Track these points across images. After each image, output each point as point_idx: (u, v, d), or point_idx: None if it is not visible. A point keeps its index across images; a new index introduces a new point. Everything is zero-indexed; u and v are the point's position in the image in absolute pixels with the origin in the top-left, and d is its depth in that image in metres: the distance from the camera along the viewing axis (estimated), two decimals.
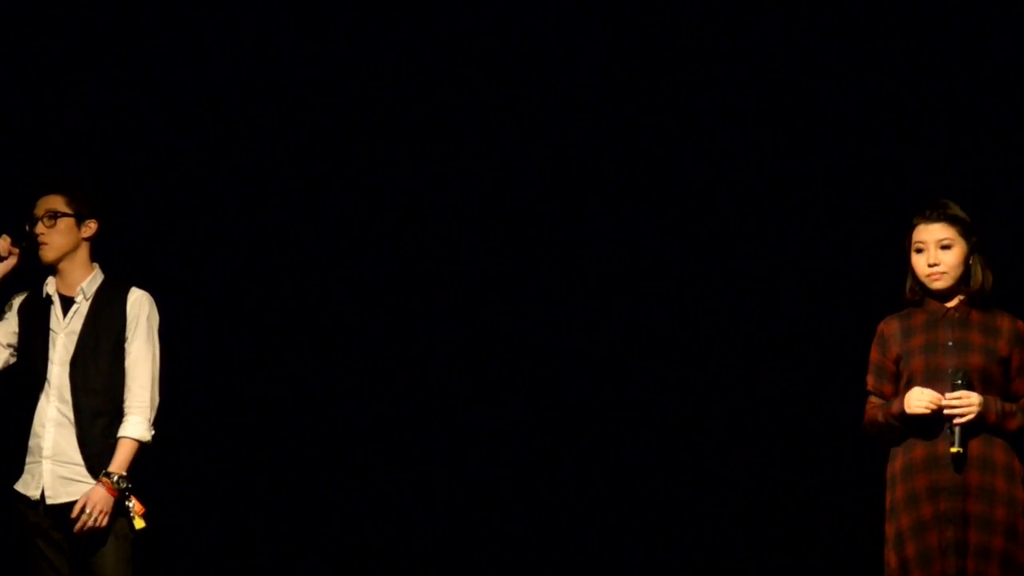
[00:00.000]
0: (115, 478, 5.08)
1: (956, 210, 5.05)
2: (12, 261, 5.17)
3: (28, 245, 5.17)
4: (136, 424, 5.15)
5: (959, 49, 6.29)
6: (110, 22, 6.60)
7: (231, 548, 6.59)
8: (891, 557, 4.97)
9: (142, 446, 5.15)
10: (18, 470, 5.20)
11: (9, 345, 5.23)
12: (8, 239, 5.16)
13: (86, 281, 5.23)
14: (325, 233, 6.71)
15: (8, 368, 5.21)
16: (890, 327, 5.08)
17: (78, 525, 5.04)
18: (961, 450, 4.88)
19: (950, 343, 4.99)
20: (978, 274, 5.02)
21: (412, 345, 6.70)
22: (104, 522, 5.05)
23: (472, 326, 6.70)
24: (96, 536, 5.06)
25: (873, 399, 5.09)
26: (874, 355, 5.11)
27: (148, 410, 5.18)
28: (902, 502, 4.95)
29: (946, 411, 4.91)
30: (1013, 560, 4.85)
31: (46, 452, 5.12)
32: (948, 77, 6.30)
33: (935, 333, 5.02)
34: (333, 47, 6.70)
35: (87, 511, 5.04)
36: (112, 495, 5.07)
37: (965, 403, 4.90)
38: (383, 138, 6.72)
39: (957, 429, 4.89)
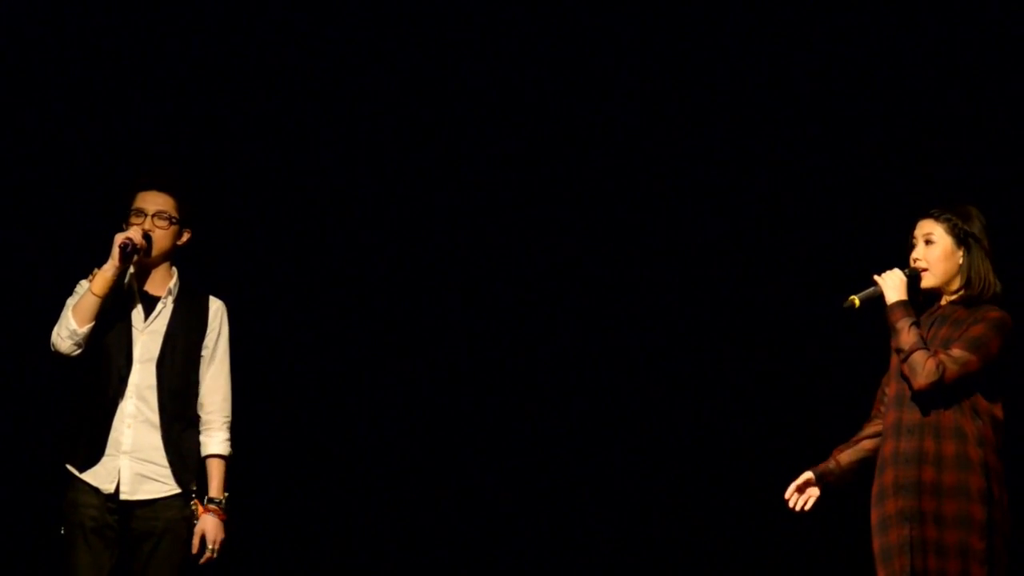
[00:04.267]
0: (222, 503, 5.18)
1: (959, 210, 4.94)
2: (140, 253, 5.14)
3: (146, 241, 5.15)
4: (224, 441, 5.24)
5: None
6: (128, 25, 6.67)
7: (257, 548, 6.63)
8: None
9: (227, 461, 5.25)
10: (83, 460, 5.12)
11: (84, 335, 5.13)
12: (140, 230, 5.13)
13: (172, 283, 5.27)
14: (331, 235, 6.80)
15: (77, 359, 5.14)
16: None
17: (203, 560, 5.13)
18: (856, 302, 4.93)
19: None
20: (973, 278, 4.92)
21: (413, 347, 6.79)
22: (219, 551, 5.16)
23: (472, 328, 6.78)
24: (174, 551, 5.14)
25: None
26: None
27: (231, 425, 5.28)
28: (874, 498, 4.93)
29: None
30: (970, 550, 4.77)
31: (125, 447, 5.13)
32: (969, 72, 6.32)
33: None
34: (329, 45, 6.77)
35: (210, 546, 5.13)
36: (223, 519, 5.17)
37: (888, 272, 4.91)
38: (384, 139, 6.79)
39: (872, 288, 4.93)
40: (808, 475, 5.11)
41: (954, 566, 4.77)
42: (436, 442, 6.79)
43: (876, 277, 4.95)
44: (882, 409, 5.04)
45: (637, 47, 6.70)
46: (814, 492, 5.11)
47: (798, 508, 5.12)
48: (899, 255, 5.01)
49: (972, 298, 4.93)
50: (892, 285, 4.92)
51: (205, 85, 6.71)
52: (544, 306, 6.80)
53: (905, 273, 4.94)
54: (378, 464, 6.77)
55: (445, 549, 6.75)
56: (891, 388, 4.98)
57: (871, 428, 5.08)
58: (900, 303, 4.90)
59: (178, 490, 5.16)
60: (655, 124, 6.70)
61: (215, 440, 5.22)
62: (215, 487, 5.17)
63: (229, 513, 5.17)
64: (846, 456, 5.10)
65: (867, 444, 5.07)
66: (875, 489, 4.93)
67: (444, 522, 6.77)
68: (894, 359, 4.95)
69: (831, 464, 5.09)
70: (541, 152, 6.79)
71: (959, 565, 4.77)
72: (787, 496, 5.12)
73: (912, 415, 4.88)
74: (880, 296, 4.94)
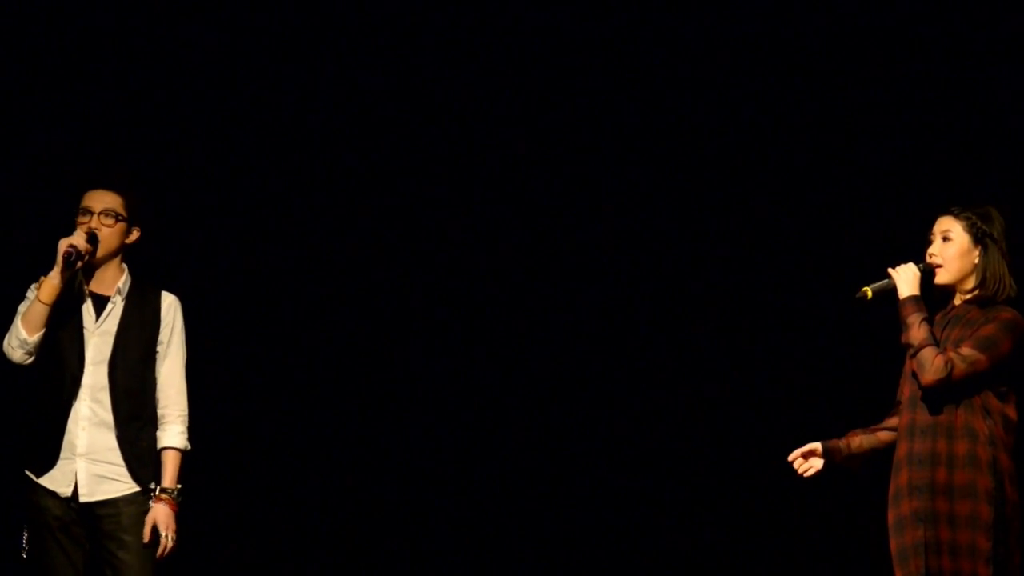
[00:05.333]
0: (174, 493, 5.16)
1: (980, 210, 4.94)
2: (85, 259, 5.12)
3: (91, 244, 5.13)
4: (179, 434, 5.23)
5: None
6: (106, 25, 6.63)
7: (240, 547, 6.67)
8: None
9: (183, 454, 5.23)
10: (39, 465, 5.11)
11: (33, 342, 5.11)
12: (85, 235, 5.11)
13: (121, 281, 5.24)
14: (318, 233, 6.77)
15: (32, 365, 5.13)
16: None
17: (160, 550, 5.11)
18: (868, 293, 4.93)
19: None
20: (988, 279, 4.91)
21: (378, 341, 6.76)
22: (175, 539, 5.13)
23: (467, 327, 6.76)
24: (142, 546, 5.10)
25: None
26: None
27: (186, 418, 5.25)
28: (890, 499, 4.94)
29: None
30: (980, 550, 4.77)
31: (80, 450, 5.11)
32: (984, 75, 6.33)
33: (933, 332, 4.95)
34: (278, 39, 6.75)
35: (163, 533, 5.11)
36: (174, 510, 5.14)
37: (902, 266, 4.91)
38: (378, 138, 6.77)
39: (886, 281, 4.94)
40: (815, 446, 5.11)
41: (967, 566, 4.78)
42: (411, 439, 6.78)
43: (890, 270, 4.96)
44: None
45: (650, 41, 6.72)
46: (817, 464, 5.11)
47: (800, 471, 5.11)
48: (917, 250, 5.00)
49: (986, 299, 4.92)
50: (905, 279, 4.92)
51: (157, 83, 6.67)
52: (526, 300, 6.81)
53: (919, 268, 4.94)
54: (345, 461, 6.76)
55: (419, 548, 6.77)
56: (905, 389, 4.98)
57: (891, 420, 5.07)
58: (912, 298, 4.89)
59: (136, 488, 5.14)
60: (659, 116, 6.72)
61: (169, 433, 5.21)
62: (168, 478, 5.16)
63: (181, 505, 5.16)
64: (859, 441, 5.09)
65: (883, 436, 5.08)
66: (891, 490, 4.93)
67: (425, 520, 6.78)
68: (906, 361, 4.94)
69: (842, 444, 5.09)
70: (533, 149, 6.81)
71: (971, 565, 4.78)
72: (791, 459, 5.12)
73: (925, 416, 4.87)
74: (893, 289, 4.94)
